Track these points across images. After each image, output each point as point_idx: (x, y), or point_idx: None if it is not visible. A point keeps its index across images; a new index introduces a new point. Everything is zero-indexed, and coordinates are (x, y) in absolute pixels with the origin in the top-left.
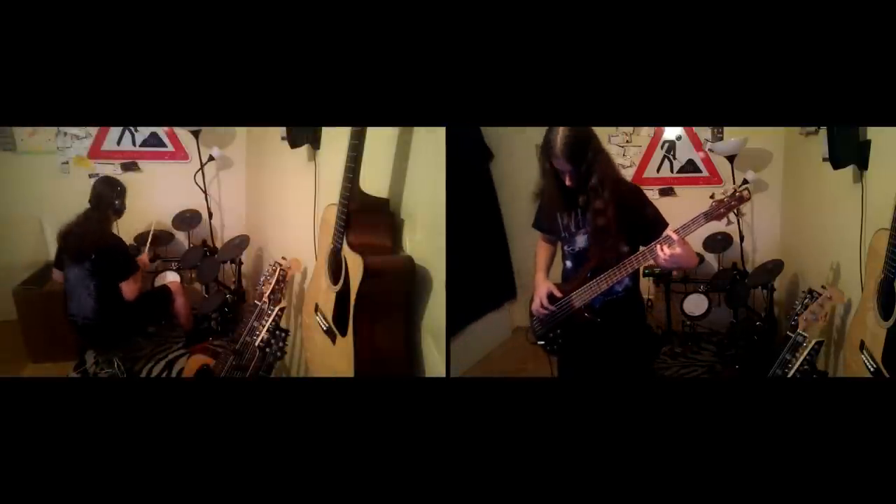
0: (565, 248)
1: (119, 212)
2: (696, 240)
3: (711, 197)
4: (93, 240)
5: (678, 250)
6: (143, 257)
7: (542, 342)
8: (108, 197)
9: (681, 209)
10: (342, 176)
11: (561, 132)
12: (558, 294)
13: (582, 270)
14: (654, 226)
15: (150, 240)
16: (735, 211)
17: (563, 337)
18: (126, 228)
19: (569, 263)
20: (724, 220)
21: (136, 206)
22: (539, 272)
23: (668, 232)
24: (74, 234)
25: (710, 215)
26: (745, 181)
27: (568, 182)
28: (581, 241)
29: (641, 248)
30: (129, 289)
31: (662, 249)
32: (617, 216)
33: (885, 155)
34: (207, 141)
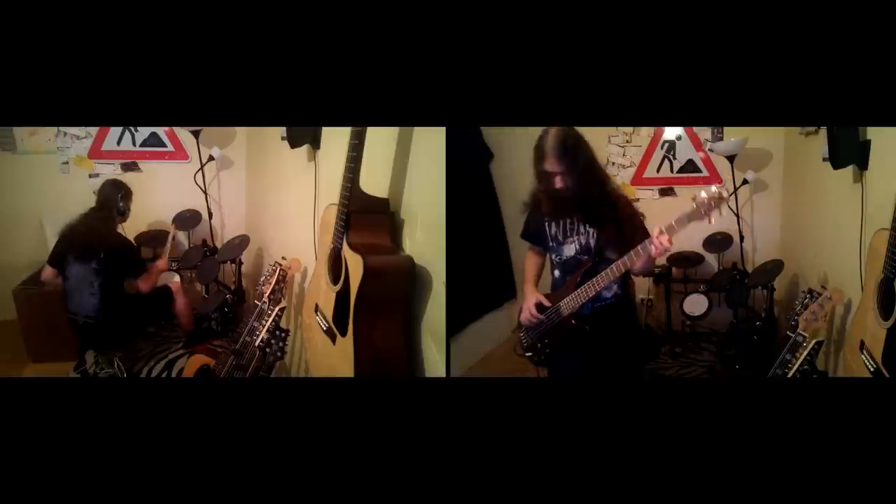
0: (553, 257)
1: (123, 214)
2: (696, 240)
3: (693, 199)
4: (100, 239)
5: (669, 245)
6: (163, 263)
7: (530, 353)
8: (113, 199)
9: (681, 209)
10: (342, 176)
11: (552, 132)
12: (547, 303)
13: (571, 278)
14: (640, 237)
15: (168, 244)
16: (716, 209)
17: (549, 347)
18: (126, 229)
19: (557, 273)
20: (707, 220)
21: (136, 206)
22: (527, 283)
23: (657, 232)
24: (79, 233)
25: (692, 217)
26: (745, 180)
27: (559, 184)
28: (569, 249)
29: (629, 253)
30: (143, 284)
31: (660, 241)
32: (609, 219)
33: (885, 155)
34: (207, 141)
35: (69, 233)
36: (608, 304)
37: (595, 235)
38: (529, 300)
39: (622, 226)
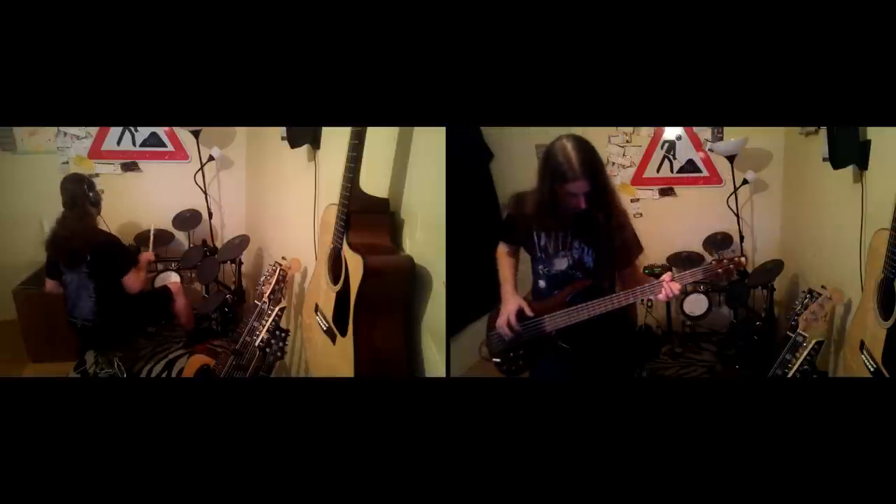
0: (539, 267)
1: (96, 204)
2: (696, 240)
3: (711, 254)
4: (83, 240)
5: (672, 294)
6: (149, 254)
7: (498, 360)
8: (80, 192)
9: (681, 209)
10: (342, 176)
11: (573, 152)
12: (529, 312)
13: (560, 294)
14: (630, 249)
15: (151, 239)
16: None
17: (524, 359)
18: (126, 228)
19: (542, 283)
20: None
21: (137, 206)
22: (506, 284)
23: (667, 278)
24: (61, 239)
25: (708, 271)
26: (745, 180)
27: (583, 204)
28: (560, 263)
29: (642, 287)
30: (132, 282)
31: (665, 293)
32: (612, 238)
33: (885, 155)
34: (207, 141)
35: (52, 241)
36: (595, 321)
37: (592, 254)
38: (510, 305)
39: (621, 243)
